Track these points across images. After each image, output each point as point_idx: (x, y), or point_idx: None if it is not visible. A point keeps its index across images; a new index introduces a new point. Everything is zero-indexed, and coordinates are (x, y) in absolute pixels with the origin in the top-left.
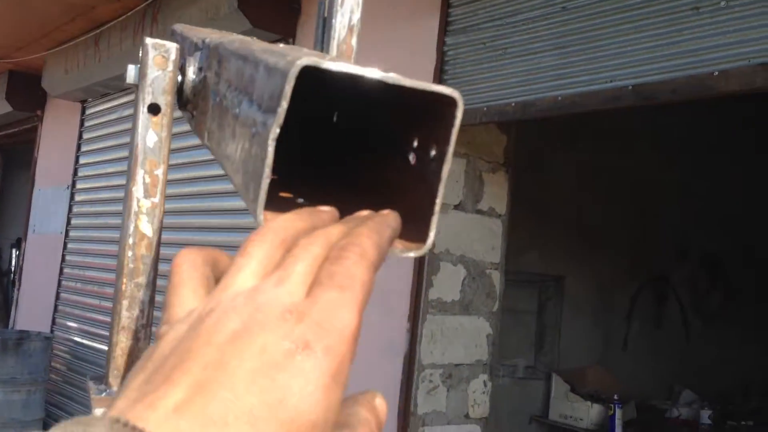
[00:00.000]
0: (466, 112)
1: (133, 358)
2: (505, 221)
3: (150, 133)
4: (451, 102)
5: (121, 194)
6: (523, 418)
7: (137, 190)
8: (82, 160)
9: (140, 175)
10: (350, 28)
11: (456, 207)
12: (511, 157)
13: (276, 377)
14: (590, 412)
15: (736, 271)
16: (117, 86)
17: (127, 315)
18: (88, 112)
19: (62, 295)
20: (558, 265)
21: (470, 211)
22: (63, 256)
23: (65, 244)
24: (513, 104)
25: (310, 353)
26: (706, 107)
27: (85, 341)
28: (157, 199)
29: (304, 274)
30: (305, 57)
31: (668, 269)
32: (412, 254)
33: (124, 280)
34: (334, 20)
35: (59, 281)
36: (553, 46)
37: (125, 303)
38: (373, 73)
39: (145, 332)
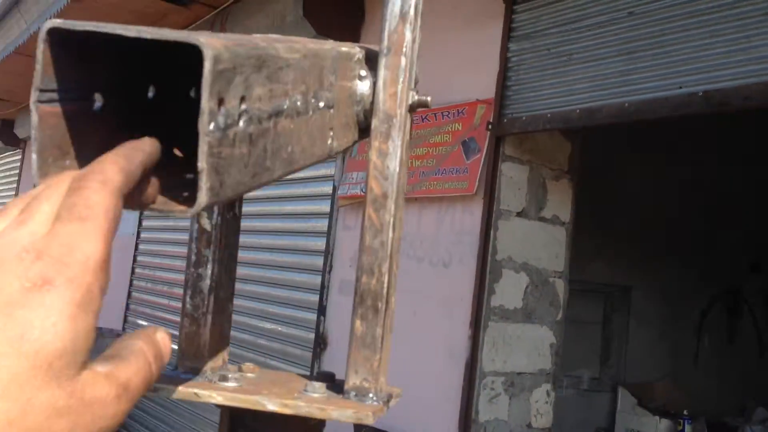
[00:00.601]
0: (529, 119)
1: (194, 342)
2: (569, 229)
3: None
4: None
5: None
6: (587, 431)
7: None
8: None
9: None
10: (402, 17)
11: (519, 214)
12: (576, 165)
13: (14, 314)
14: (658, 427)
15: None
16: None
17: (190, 302)
18: None
19: (133, 294)
20: (625, 275)
21: (533, 219)
22: (134, 256)
23: (137, 244)
24: (578, 111)
25: (51, 288)
26: None
27: None
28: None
29: (48, 213)
30: (72, 21)
31: (740, 282)
32: (187, 214)
33: (190, 270)
34: (386, 9)
35: (131, 281)
36: (620, 52)
37: (189, 291)
38: (120, 30)
39: (205, 319)
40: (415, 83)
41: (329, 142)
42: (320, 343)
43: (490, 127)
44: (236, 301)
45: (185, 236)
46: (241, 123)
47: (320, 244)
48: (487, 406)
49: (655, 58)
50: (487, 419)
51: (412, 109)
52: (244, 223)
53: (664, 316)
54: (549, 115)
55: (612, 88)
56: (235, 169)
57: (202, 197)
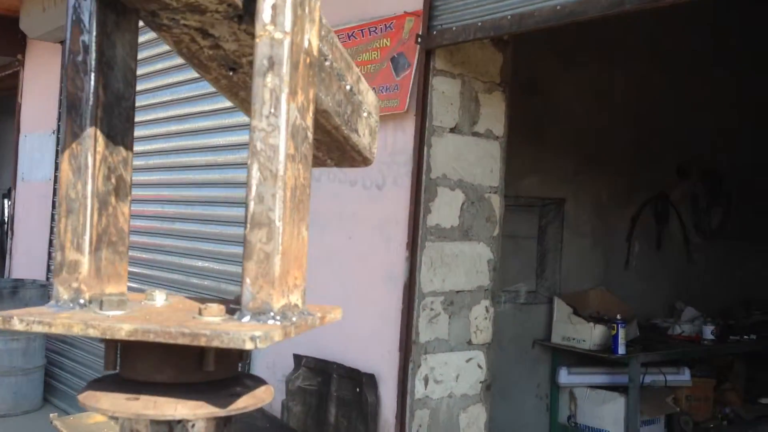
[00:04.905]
0: (459, 30)
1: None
2: (503, 143)
3: None
4: None
5: None
6: (526, 343)
7: None
8: None
9: None
10: None
11: (452, 130)
12: (508, 77)
13: None
14: (593, 333)
15: (737, 187)
16: None
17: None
18: None
19: (55, 242)
20: (558, 188)
21: (467, 134)
22: (53, 202)
23: (55, 190)
24: (509, 17)
25: None
26: (702, 17)
27: None
28: None
29: None
30: None
31: (669, 187)
32: None
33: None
34: None
35: (51, 228)
36: None
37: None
38: None
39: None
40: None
41: None
42: None
43: (419, 40)
44: (166, 241)
45: None
46: None
47: None
48: (427, 326)
49: None
50: (428, 339)
51: None
52: (169, 160)
53: (596, 226)
54: (479, 24)
55: None
56: None
57: None
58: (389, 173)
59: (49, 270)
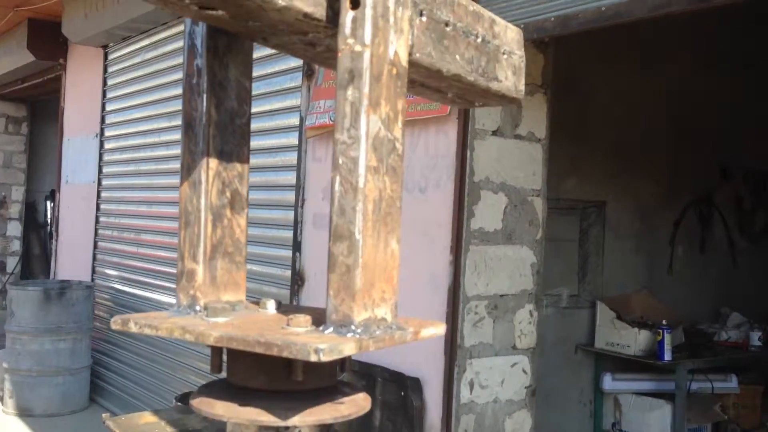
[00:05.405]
0: None
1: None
2: (545, 146)
3: None
4: None
5: (150, 140)
6: (568, 348)
7: None
8: (108, 107)
9: None
10: None
11: (494, 133)
12: (549, 79)
13: None
14: (638, 339)
15: None
16: (138, 28)
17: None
18: (110, 57)
19: (99, 243)
20: (599, 190)
21: (509, 137)
22: (98, 204)
23: (98, 192)
24: (552, 19)
25: None
26: (746, 16)
27: (125, 288)
28: None
29: None
30: None
31: (711, 189)
32: None
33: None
34: None
35: (96, 230)
36: None
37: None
38: None
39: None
40: None
41: None
42: (297, 279)
43: None
44: None
45: (147, 180)
46: None
47: (290, 178)
48: (471, 330)
49: None
50: (473, 344)
51: None
52: None
53: (638, 229)
54: (522, 26)
55: None
56: None
57: None
58: (432, 176)
59: (93, 271)
